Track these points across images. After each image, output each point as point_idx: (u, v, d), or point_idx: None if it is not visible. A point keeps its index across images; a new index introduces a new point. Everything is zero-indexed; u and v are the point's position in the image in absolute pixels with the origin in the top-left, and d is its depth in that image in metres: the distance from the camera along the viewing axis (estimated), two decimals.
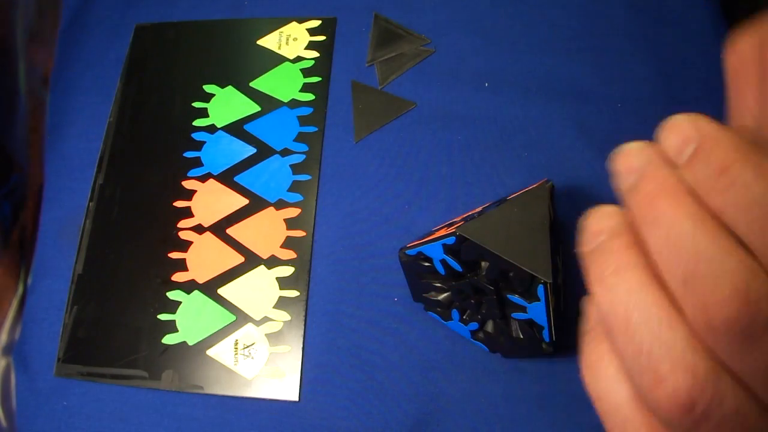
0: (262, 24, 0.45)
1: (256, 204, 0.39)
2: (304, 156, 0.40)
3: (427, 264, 0.31)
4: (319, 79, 0.43)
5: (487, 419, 0.33)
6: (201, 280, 0.37)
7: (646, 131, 0.41)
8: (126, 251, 0.38)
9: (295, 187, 0.39)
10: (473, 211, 0.33)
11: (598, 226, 0.20)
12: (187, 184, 0.40)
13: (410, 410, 0.33)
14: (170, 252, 0.38)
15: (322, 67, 0.43)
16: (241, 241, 0.38)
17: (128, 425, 0.34)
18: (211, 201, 0.39)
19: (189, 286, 0.37)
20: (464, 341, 0.35)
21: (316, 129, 0.41)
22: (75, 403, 0.35)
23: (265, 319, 0.36)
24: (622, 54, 0.42)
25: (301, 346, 0.35)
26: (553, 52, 0.42)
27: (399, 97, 0.42)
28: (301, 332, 0.36)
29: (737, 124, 0.23)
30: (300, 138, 0.41)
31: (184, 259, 0.38)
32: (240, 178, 0.40)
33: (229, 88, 0.43)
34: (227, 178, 0.40)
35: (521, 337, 0.31)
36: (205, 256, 0.38)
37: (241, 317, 0.36)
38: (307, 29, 0.44)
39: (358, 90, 0.42)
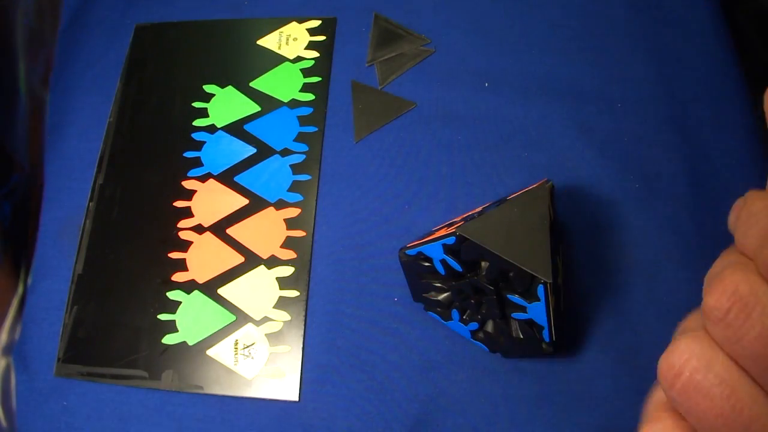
0: (262, 24, 0.45)
1: (256, 204, 0.39)
2: (304, 156, 0.40)
3: (427, 264, 0.31)
4: (319, 79, 0.43)
5: (487, 419, 0.33)
6: (201, 280, 0.37)
7: (646, 131, 0.41)
8: (126, 251, 0.38)
9: (295, 187, 0.39)
10: (473, 211, 0.33)
11: None
12: (187, 184, 0.40)
13: (410, 410, 0.33)
14: (170, 252, 0.38)
15: (322, 67, 0.43)
16: (241, 241, 0.38)
17: (128, 425, 0.34)
18: (211, 201, 0.39)
19: (189, 286, 0.37)
20: (464, 341, 0.35)
21: (316, 129, 0.41)
22: (75, 403, 0.35)
23: (265, 319, 0.36)
24: (622, 54, 0.42)
25: (301, 346, 0.35)
26: (553, 52, 0.42)
27: (399, 97, 0.42)
28: (301, 332, 0.36)
29: None
30: (300, 138, 0.41)
31: (184, 259, 0.38)
32: (240, 178, 0.40)
33: (229, 88, 0.43)
34: (227, 178, 0.40)
35: (521, 337, 0.31)
36: (205, 256, 0.38)
37: (241, 317, 0.36)
38: (307, 29, 0.44)
39: (358, 90, 0.42)
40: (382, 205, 0.38)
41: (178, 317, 0.36)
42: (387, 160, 0.40)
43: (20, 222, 0.41)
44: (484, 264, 0.29)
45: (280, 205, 0.39)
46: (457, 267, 0.30)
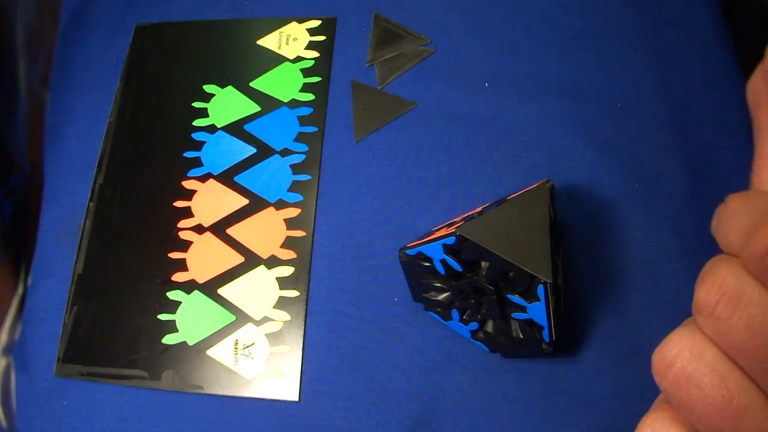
0: (261, 24, 0.45)
1: (256, 204, 0.39)
2: (304, 156, 0.40)
3: (427, 264, 0.31)
4: (319, 79, 0.43)
5: (487, 419, 0.33)
6: (201, 280, 0.37)
7: (646, 131, 0.41)
8: (126, 251, 0.38)
9: (295, 187, 0.39)
10: (473, 211, 0.33)
11: None
12: (187, 184, 0.40)
13: (410, 410, 0.33)
14: (170, 252, 0.38)
15: (322, 67, 0.43)
16: (241, 241, 0.38)
17: (128, 425, 0.34)
18: (211, 201, 0.39)
19: (189, 286, 0.37)
20: (464, 341, 0.35)
21: (316, 129, 0.41)
22: (75, 403, 0.35)
23: (265, 319, 0.36)
24: (622, 54, 0.42)
25: (301, 346, 0.35)
26: (553, 52, 0.42)
27: (399, 97, 0.42)
28: (301, 332, 0.36)
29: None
30: (300, 138, 0.41)
31: (184, 259, 0.38)
32: (240, 178, 0.40)
33: (229, 88, 0.43)
34: (227, 178, 0.40)
35: (521, 337, 0.31)
36: (205, 256, 0.38)
37: (241, 317, 0.36)
38: (307, 29, 0.44)
39: (358, 90, 0.42)
40: (382, 205, 0.38)
41: (178, 317, 0.36)
42: (387, 160, 0.40)
43: (20, 222, 0.41)
44: (484, 264, 0.29)
45: (280, 205, 0.39)
46: (457, 267, 0.30)
